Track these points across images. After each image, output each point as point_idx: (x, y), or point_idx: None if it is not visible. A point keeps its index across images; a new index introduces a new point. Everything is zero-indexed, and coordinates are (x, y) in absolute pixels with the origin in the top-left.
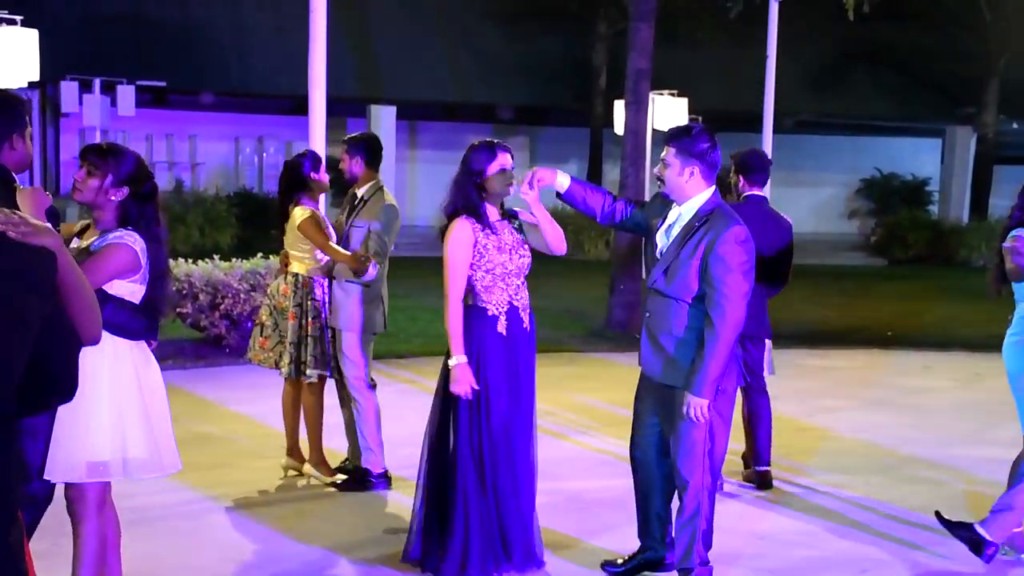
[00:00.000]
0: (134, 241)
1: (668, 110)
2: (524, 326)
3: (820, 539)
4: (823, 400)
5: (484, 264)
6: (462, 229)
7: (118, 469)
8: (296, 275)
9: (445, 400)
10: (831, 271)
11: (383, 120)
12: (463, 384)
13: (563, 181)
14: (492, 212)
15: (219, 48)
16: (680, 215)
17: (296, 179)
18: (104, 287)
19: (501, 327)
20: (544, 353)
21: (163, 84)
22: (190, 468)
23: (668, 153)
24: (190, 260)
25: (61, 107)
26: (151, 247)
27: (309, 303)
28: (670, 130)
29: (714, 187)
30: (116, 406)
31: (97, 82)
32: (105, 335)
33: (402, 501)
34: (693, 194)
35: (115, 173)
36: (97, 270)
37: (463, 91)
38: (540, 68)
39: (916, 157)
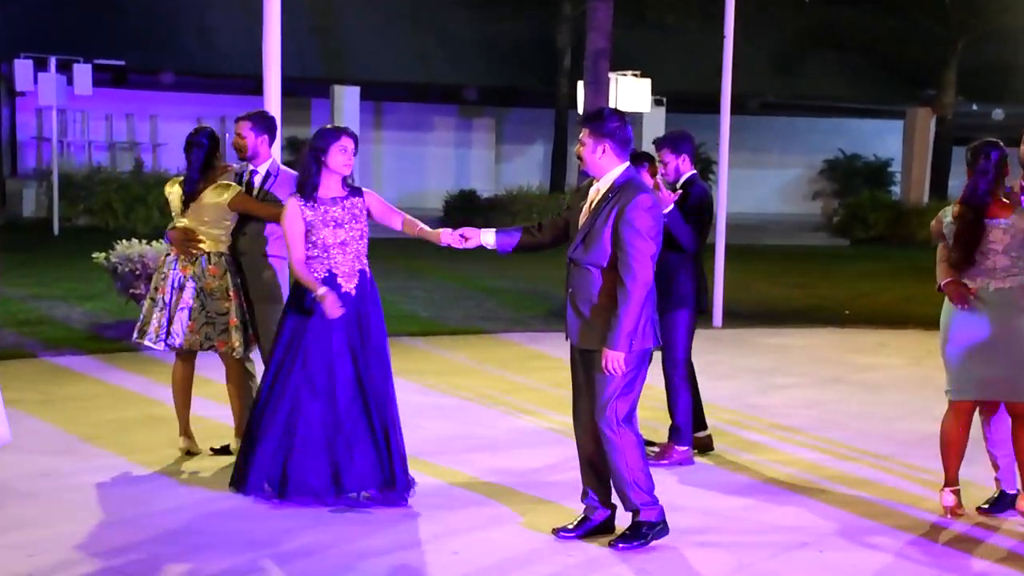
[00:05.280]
0: None
1: (631, 91)
2: (343, 291)
3: (764, 512)
4: (775, 377)
5: (310, 236)
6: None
7: None
8: (221, 254)
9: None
10: (793, 251)
11: (347, 101)
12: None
13: (488, 239)
14: (331, 188)
15: (180, 27)
16: (599, 190)
17: (208, 160)
18: None
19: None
20: (505, 332)
21: (122, 63)
22: (140, 449)
23: (583, 134)
24: (144, 241)
25: (16, 86)
26: None
27: (238, 281)
28: (583, 113)
29: (627, 162)
30: None
31: (52, 60)
32: None
33: None
34: (608, 169)
35: None
36: None
37: (428, 72)
38: (506, 49)
39: (879, 138)
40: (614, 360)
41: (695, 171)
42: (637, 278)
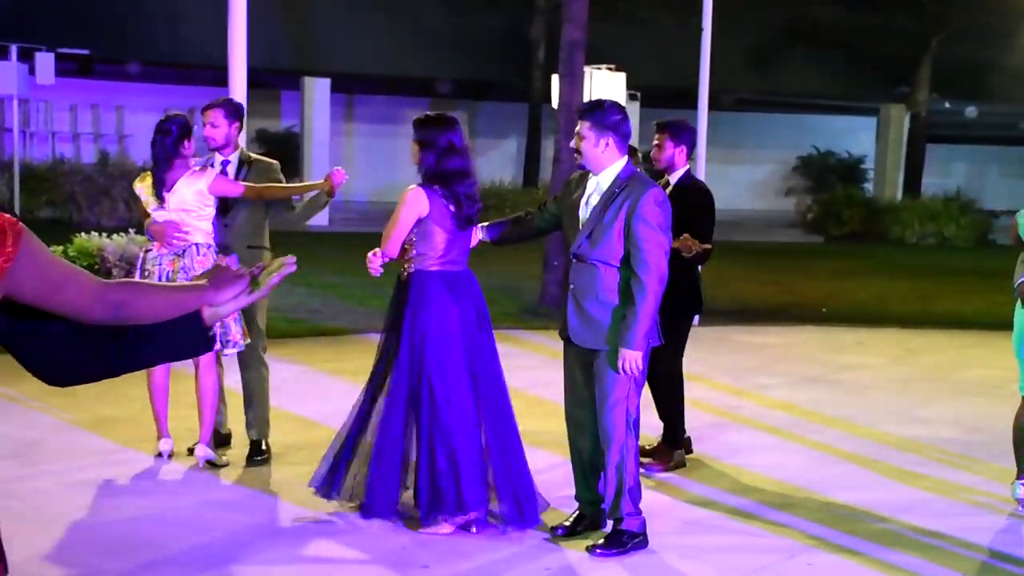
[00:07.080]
0: None
1: (605, 85)
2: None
3: (747, 520)
4: (755, 377)
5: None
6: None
7: None
8: (209, 245)
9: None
10: (767, 248)
11: (317, 93)
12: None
13: (480, 234)
14: None
15: (147, 16)
16: (598, 184)
17: (175, 149)
18: None
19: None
20: None
21: (86, 52)
22: (90, 453)
23: (583, 127)
24: (104, 234)
25: None
26: None
27: None
28: (582, 105)
29: (627, 157)
30: None
31: (14, 48)
32: None
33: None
34: (609, 164)
35: None
36: None
37: (401, 64)
38: (479, 42)
39: (852, 135)
40: (631, 360)
41: (688, 168)
42: (653, 273)
